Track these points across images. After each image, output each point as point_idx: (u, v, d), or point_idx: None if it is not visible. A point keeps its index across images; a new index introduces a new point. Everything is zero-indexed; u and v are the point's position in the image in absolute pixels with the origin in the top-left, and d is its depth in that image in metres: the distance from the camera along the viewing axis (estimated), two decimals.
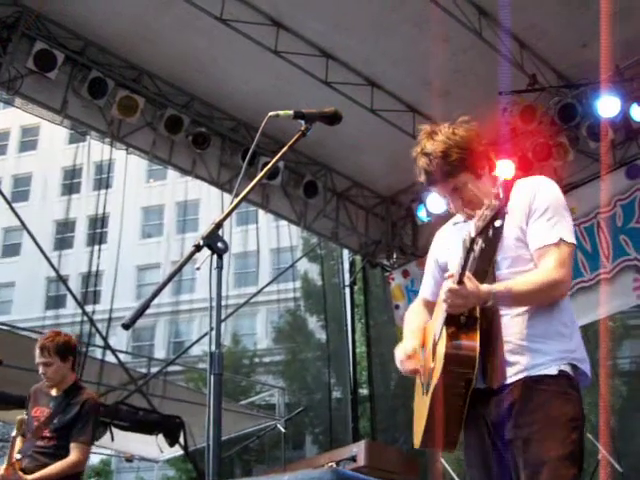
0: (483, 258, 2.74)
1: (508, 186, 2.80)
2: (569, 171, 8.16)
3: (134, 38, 7.38)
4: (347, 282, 10.96)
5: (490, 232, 2.70)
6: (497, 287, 2.60)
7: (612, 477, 7.27)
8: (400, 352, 2.89)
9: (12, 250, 29.88)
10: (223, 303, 2.32)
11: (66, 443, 4.50)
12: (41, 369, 4.65)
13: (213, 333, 2.25)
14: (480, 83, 7.44)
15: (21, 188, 31.25)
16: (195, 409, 8.94)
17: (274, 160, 2.67)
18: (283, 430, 8.55)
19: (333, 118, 2.78)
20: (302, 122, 2.69)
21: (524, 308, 2.69)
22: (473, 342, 2.60)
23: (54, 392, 4.70)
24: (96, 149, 9.17)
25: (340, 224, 9.65)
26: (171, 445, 9.39)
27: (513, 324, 2.68)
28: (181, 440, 9.17)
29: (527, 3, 6.72)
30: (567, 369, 2.63)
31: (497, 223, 2.48)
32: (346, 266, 11.07)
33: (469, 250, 2.51)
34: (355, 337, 10.86)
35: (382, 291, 10.78)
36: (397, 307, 9.78)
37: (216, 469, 2.14)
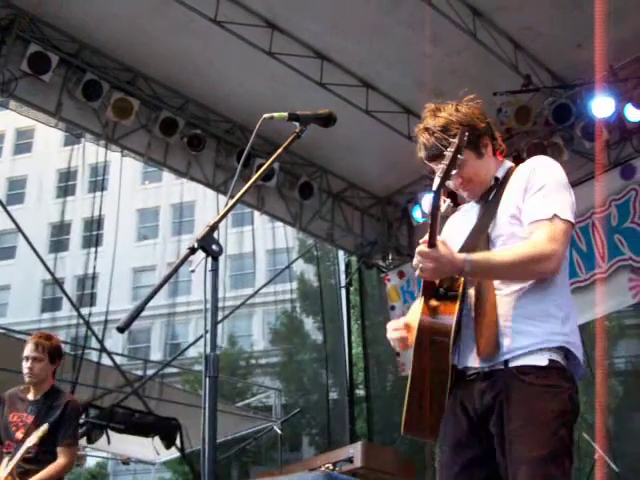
0: (475, 235, 2.70)
1: (509, 170, 2.80)
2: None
3: (129, 40, 7.38)
4: (343, 283, 10.96)
5: (483, 208, 2.71)
6: (475, 255, 2.48)
7: (608, 477, 7.27)
8: (392, 323, 2.77)
9: (7, 253, 29.82)
10: (220, 305, 2.32)
11: (51, 447, 4.49)
12: (29, 363, 4.63)
13: (208, 335, 2.25)
14: (474, 84, 7.42)
15: (16, 191, 31.21)
16: (191, 411, 8.93)
17: (269, 162, 2.67)
18: (280, 432, 8.55)
19: (328, 120, 2.78)
20: (297, 124, 2.69)
21: (516, 287, 2.57)
22: (450, 315, 2.53)
23: (31, 396, 4.69)
24: (91, 151, 9.17)
25: (336, 225, 9.66)
26: (167, 447, 9.38)
27: (502, 303, 2.56)
28: (177, 442, 9.17)
29: (521, 4, 6.74)
30: (558, 358, 2.50)
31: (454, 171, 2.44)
32: (342, 267, 11.08)
33: (434, 207, 2.44)
34: (351, 338, 10.88)
35: (378, 292, 10.80)
36: (393, 308, 9.79)
37: (212, 471, 2.14)
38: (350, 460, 6.13)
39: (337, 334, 11.65)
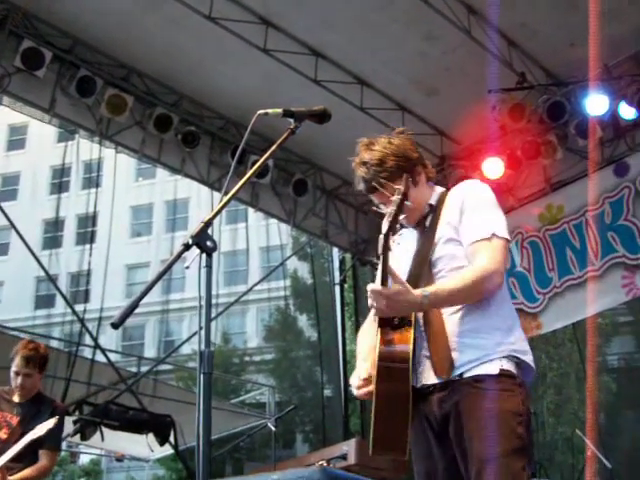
0: (416, 260, 2.84)
1: (442, 195, 2.96)
2: (558, 169, 8.20)
3: (123, 37, 7.36)
4: (337, 280, 10.96)
5: (422, 234, 2.87)
6: (430, 289, 2.60)
7: (601, 473, 7.30)
8: (354, 379, 2.87)
9: (1, 250, 29.74)
10: (213, 302, 2.32)
11: (34, 448, 4.50)
12: (19, 380, 4.65)
13: (202, 332, 2.25)
14: (469, 81, 7.45)
15: (9, 187, 31.13)
16: (185, 408, 8.94)
17: (263, 158, 2.67)
18: (274, 429, 8.51)
19: (322, 116, 2.79)
20: (291, 120, 2.69)
21: (459, 306, 2.71)
22: (406, 340, 2.64)
23: (17, 399, 4.71)
24: (85, 148, 9.15)
25: (330, 222, 9.66)
26: (161, 444, 9.38)
27: (450, 322, 2.71)
28: (171, 439, 9.16)
29: (516, 2, 6.74)
30: (509, 367, 2.65)
31: (402, 217, 2.56)
32: (336, 264, 11.07)
33: (385, 248, 2.54)
34: (345, 335, 10.87)
35: None
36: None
37: (206, 468, 2.14)
38: (344, 457, 6.13)
39: (331, 331, 11.66)
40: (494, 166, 8.13)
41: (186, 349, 17.24)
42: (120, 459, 13.84)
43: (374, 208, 2.94)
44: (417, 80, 7.76)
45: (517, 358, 2.68)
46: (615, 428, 15.55)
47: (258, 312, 28.14)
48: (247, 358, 26.88)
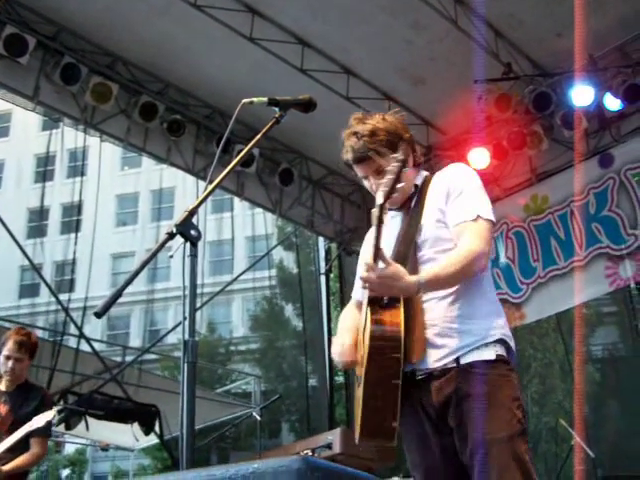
0: (402, 242, 2.82)
1: (427, 178, 2.96)
2: (543, 159, 8.23)
3: (108, 24, 7.30)
4: (323, 270, 10.97)
5: (407, 215, 2.85)
6: (425, 276, 2.60)
7: (584, 462, 7.36)
8: (337, 345, 2.87)
9: None
10: (198, 291, 2.31)
11: (24, 437, 4.55)
12: (10, 363, 4.72)
13: (187, 322, 2.24)
14: (455, 71, 7.46)
15: None
16: (170, 397, 8.92)
17: (248, 147, 2.66)
18: (259, 418, 8.54)
19: (307, 105, 2.79)
20: (276, 109, 2.68)
21: (449, 290, 2.71)
22: (397, 320, 2.62)
23: (3, 387, 4.77)
24: (70, 136, 9.09)
25: (316, 212, 9.65)
26: (146, 433, 9.38)
27: (439, 307, 2.71)
28: (156, 429, 9.17)
29: None
30: (502, 351, 2.68)
31: (398, 185, 2.54)
32: (322, 254, 11.08)
33: (379, 220, 2.53)
34: (331, 325, 10.89)
35: None
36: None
37: (190, 457, 2.14)
38: (329, 446, 6.16)
39: (317, 321, 11.67)
40: (480, 156, 8.14)
41: (171, 338, 17.26)
42: (105, 449, 13.79)
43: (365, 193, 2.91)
44: (403, 70, 7.75)
45: (507, 342, 2.71)
46: (599, 418, 15.66)
47: (244, 302, 28.13)
48: (233, 347, 26.86)
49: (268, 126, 2.66)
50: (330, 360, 10.46)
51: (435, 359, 2.66)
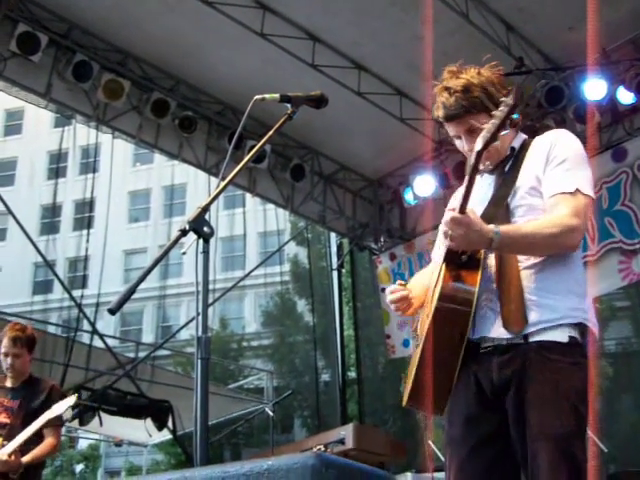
0: (493, 204, 2.64)
1: (525, 141, 2.76)
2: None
3: (119, 21, 7.32)
4: (335, 265, 10.97)
5: (500, 178, 2.65)
6: (503, 227, 2.43)
7: (597, 457, 7.33)
8: (397, 293, 2.72)
9: None
10: (210, 287, 2.32)
11: (38, 430, 4.56)
12: (9, 360, 4.74)
13: (200, 318, 2.25)
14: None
15: (6, 172, 31.02)
16: (183, 393, 8.95)
17: (260, 143, 2.66)
18: (271, 414, 8.56)
19: (319, 101, 2.78)
20: (288, 105, 2.68)
21: (535, 260, 2.52)
22: (472, 283, 2.47)
23: (9, 384, 4.80)
24: (82, 133, 9.11)
25: (327, 207, 9.65)
26: (159, 429, 9.41)
27: (524, 276, 2.52)
28: (169, 424, 9.19)
29: None
30: (577, 335, 2.46)
31: (503, 132, 2.38)
32: (333, 249, 11.08)
33: (474, 169, 2.39)
34: (343, 320, 10.90)
35: (369, 274, 10.82)
36: (383, 290, 9.78)
37: (204, 453, 2.15)
38: (342, 441, 6.17)
39: (329, 316, 11.67)
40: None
41: (184, 334, 17.26)
42: (119, 444, 13.89)
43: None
44: (414, 65, 7.72)
45: (585, 327, 2.49)
46: (612, 413, 15.60)
47: (256, 297, 28.14)
48: (245, 343, 26.89)
49: (280, 122, 2.66)
50: (343, 355, 10.47)
51: (527, 326, 2.46)
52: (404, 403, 2.57)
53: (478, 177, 2.58)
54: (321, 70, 7.53)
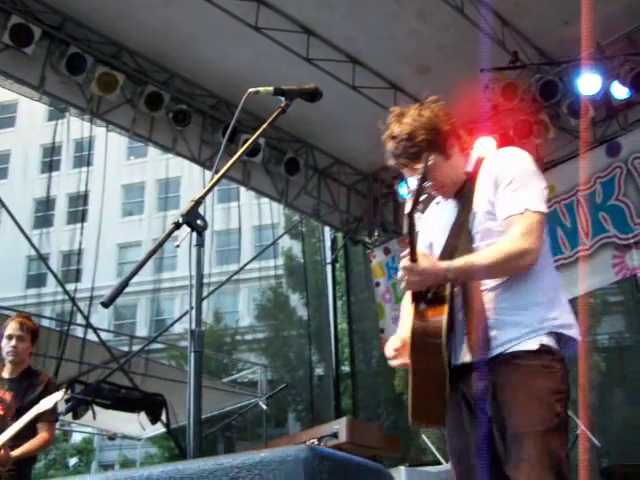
0: (453, 234, 2.80)
1: (478, 162, 2.89)
2: (550, 148, 8.19)
3: (113, 13, 7.29)
4: (329, 259, 10.96)
5: (459, 203, 2.82)
6: (456, 262, 2.61)
7: (590, 451, 7.37)
8: (389, 349, 2.87)
9: None
10: (205, 281, 2.32)
11: (31, 423, 4.54)
12: (13, 342, 4.76)
13: (193, 311, 2.25)
14: (462, 60, 7.42)
15: (0, 165, 30.96)
16: (177, 387, 8.95)
17: (254, 137, 2.66)
18: (265, 407, 8.58)
19: (313, 95, 2.78)
20: (282, 99, 2.68)
21: (497, 281, 2.67)
22: (440, 316, 2.63)
23: (6, 374, 4.80)
24: (76, 126, 9.08)
25: (322, 201, 9.65)
26: (153, 423, 9.40)
27: (488, 299, 2.67)
28: (163, 418, 9.19)
29: None
30: (549, 342, 2.60)
31: (422, 198, 2.60)
32: (328, 243, 11.07)
33: (410, 228, 2.58)
34: (337, 314, 10.90)
35: (363, 268, 10.82)
36: (377, 284, 9.82)
37: (197, 446, 2.15)
38: (335, 435, 6.17)
39: (323, 310, 11.68)
40: (486, 145, 8.12)
41: (178, 328, 17.26)
42: (112, 437, 13.88)
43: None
44: (409, 58, 7.72)
45: (560, 334, 2.63)
46: (604, 407, 15.66)
47: (250, 291, 28.16)
48: (239, 337, 26.91)
49: (274, 116, 2.66)
50: (336, 349, 10.48)
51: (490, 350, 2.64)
52: (411, 422, 2.77)
53: (443, 202, 2.89)
54: (315, 64, 7.51)
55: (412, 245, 2.60)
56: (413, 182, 2.63)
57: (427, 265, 2.59)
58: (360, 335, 12.30)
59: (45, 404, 4.47)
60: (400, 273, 2.62)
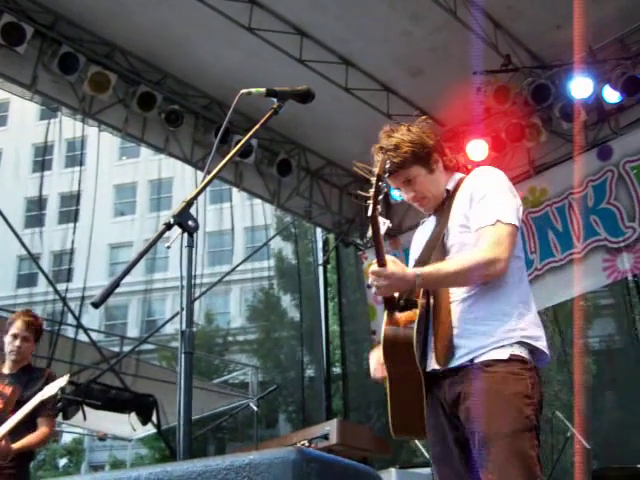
0: (427, 247, 2.94)
1: (459, 181, 3.03)
2: (542, 152, 8.22)
3: (106, 13, 7.27)
4: (320, 261, 10.97)
5: (438, 219, 2.92)
6: (425, 268, 2.69)
7: (580, 453, 7.38)
8: (373, 361, 2.98)
9: None
10: (198, 282, 2.32)
11: (30, 417, 4.54)
12: (18, 342, 4.76)
13: (184, 312, 2.24)
14: (454, 63, 7.44)
15: None
16: (168, 387, 8.92)
17: (246, 138, 2.66)
18: (256, 409, 8.56)
19: (305, 96, 2.79)
20: (275, 100, 2.68)
21: (468, 293, 2.76)
22: (411, 323, 2.71)
23: (6, 370, 4.80)
24: (68, 126, 9.05)
25: (314, 203, 9.65)
26: (144, 423, 9.39)
27: (459, 309, 2.75)
28: (154, 419, 9.17)
29: None
30: (521, 352, 2.68)
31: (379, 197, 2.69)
32: (319, 245, 11.08)
33: (374, 230, 2.67)
34: (328, 316, 10.90)
35: (355, 270, 10.83)
36: (369, 286, 9.77)
37: (187, 447, 2.14)
38: (326, 437, 6.18)
39: (314, 312, 11.67)
40: (478, 148, 8.14)
41: (169, 329, 17.25)
42: (102, 438, 13.83)
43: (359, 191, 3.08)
44: (402, 61, 7.73)
45: (529, 345, 2.71)
46: (595, 410, 15.70)
47: (242, 292, 28.13)
48: (230, 338, 26.86)
49: (266, 117, 2.66)
50: (327, 350, 10.48)
51: (453, 359, 2.71)
52: (393, 434, 2.81)
53: (428, 218, 3.08)
54: (308, 65, 7.51)
55: (378, 248, 2.66)
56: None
57: (395, 269, 2.64)
58: (351, 337, 12.30)
59: (49, 390, 4.47)
60: (370, 278, 2.69)
